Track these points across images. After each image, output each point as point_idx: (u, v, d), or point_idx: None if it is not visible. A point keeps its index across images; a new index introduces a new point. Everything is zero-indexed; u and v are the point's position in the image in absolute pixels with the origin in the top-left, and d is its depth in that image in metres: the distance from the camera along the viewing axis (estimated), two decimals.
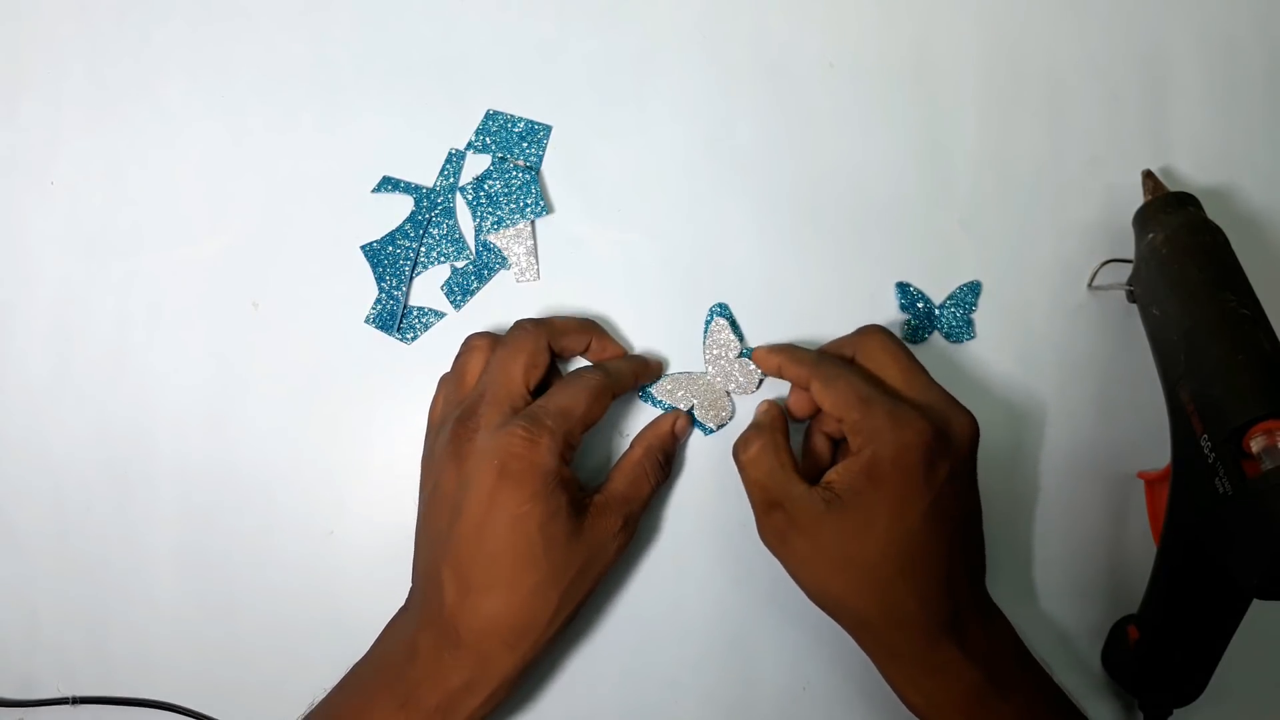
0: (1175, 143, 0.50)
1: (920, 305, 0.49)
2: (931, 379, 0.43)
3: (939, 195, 0.50)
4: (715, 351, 0.48)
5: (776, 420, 0.45)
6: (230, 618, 0.48)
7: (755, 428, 0.45)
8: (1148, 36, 0.51)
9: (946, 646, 0.40)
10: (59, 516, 0.49)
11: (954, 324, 0.48)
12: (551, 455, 0.41)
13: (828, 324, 0.49)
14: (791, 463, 0.43)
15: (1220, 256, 0.42)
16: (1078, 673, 0.48)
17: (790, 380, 0.46)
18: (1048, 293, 0.49)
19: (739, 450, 0.45)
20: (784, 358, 0.45)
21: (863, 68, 0.50)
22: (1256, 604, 0.41)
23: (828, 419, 0.45)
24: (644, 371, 0.47)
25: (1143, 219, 0.45)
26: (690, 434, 0.48)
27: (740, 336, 0.49)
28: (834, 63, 0.51)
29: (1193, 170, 0.50)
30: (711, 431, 0.48)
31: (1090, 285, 0.48)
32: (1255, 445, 0.36)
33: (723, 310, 0.49)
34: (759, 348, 0.47)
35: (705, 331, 0.49)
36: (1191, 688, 0.44)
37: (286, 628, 0.48)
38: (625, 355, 0.48)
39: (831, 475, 0.42)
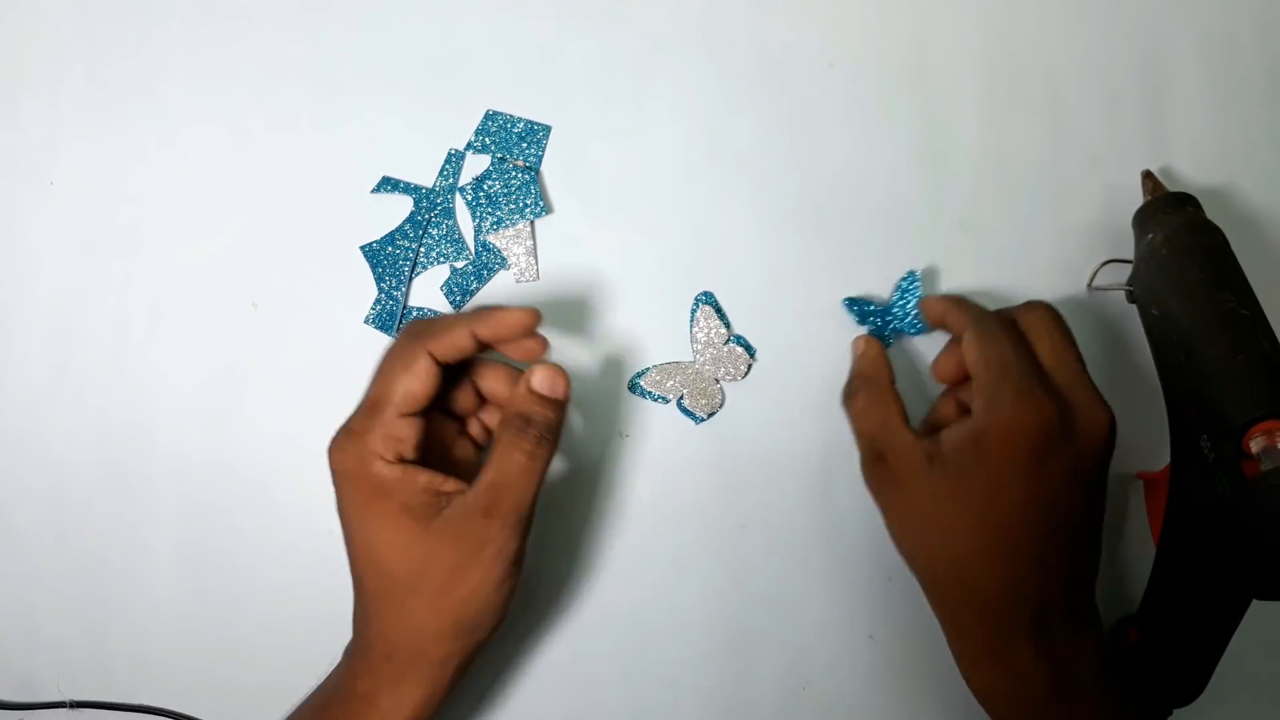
0: (1175, 143, 0.50)
1: (872, 312, 0.48)
2: (1084, 369, 0.41)
3: (939, 195, 0.50)
4: (703, 339, 0.48)
5: (881, 367, 0.44)
6: (230, 618, 0.48)
7: (860, 377, 0.44)
8: (1148, 36, 0.51)
9: (1021, 643, 0.38)
10: (59, 516, 0.49)
11: (905, 319, 0.48)
12: (356, 459, 0.38)
13: (828, 324, 0.49)
14: (899, 411, 0.42)
15: (1220, 257, 0.42)
16: None
17: (950, 327, 0.44)
18: (1048, 293, 0.49)
19: (846, 400, 0.44)
20: (950, 304, 0.44)
21: (863, 68, 0.50)
22: (1256, 604, 0.41)
23: (964, 386, 0.43)
24: (479, 322, 0.40)
25: (1142, 219, 0.45)
26: (567, 387, 0.41)
27: (727, 324, 0.49)
28: (834, 63, 0.51)
29: (1193, 170, 0.50)
30: (702, 420, 0.48)
31: (1090, 286, 0.48)
32: (1255, 445, 0.36)
33: (708, 298, 0.49)
34: (930, 296, 0.46)
35: (691, 320, 0.49)
36: (1192, 688, 0.44)
37: (286, 628, 0.48)
38: (476, 310, 0.41)
39: (944, 432, 0.40)
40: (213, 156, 0.50)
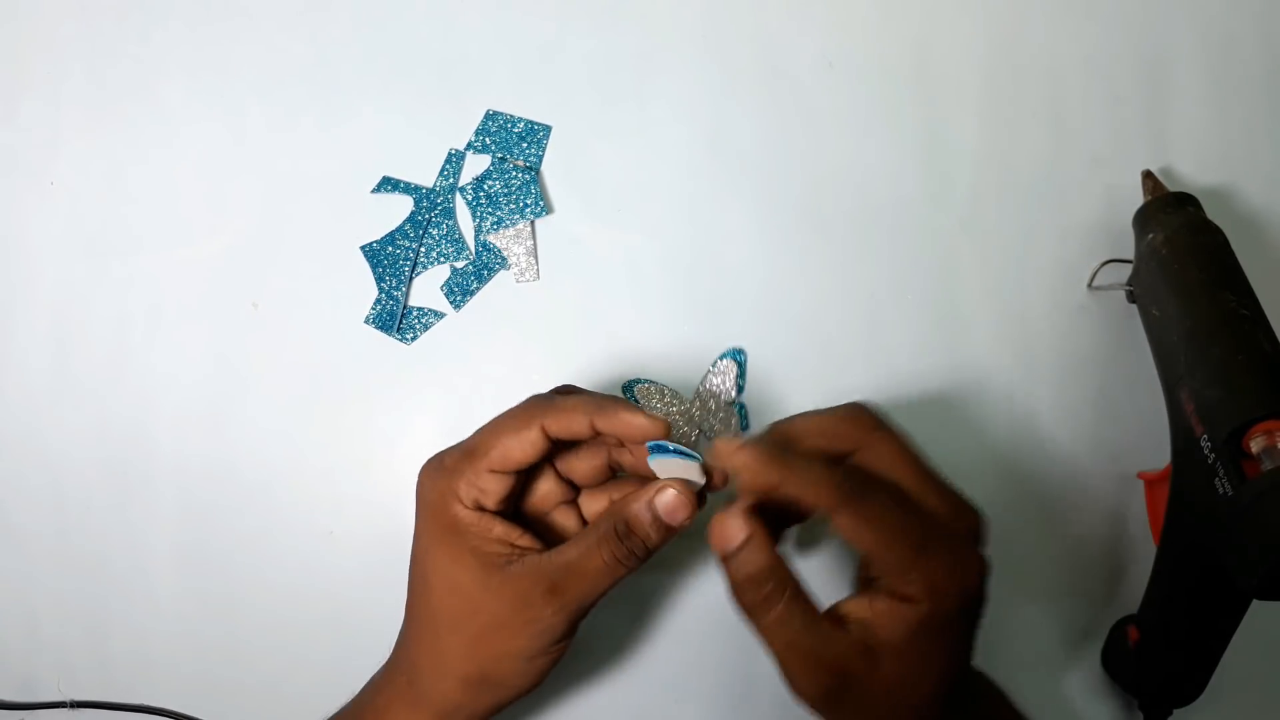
0: (1175, 143, 0.50)
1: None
2: (935, 473, 0.37)
3: (939, 195, 0.50)
4: (709, 389, 0.48)
5: (776, 558, 0.36)
6: (230, 618, 0.48)
7: (761, 576, 0.35)
8: (1148, 36, 0.51)
9: None
10: (59, 516, 0.49)
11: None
12: (439, 493, 0.38)
13: (828, 324, 0.49)
14: (813, 605, 0.35)
15: (1220, 257, 0.42)
16: (1078, 672, 0.48)
17: (800, 500, 0.35)
18: (1048, 293, 0.49)
19: (757, 613, 0.36)
20: (785, 471, 0.34)
21: (863, 68, 0.50)
22: (1256, 604, 0.41)
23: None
24: (602, 415, 0.38)
25: (1143, 219, 0.45)
26: (687, 521, 0.38)
27: (741, 388, 0.48)
28: (834, 63, 0.50)
29: (1193, 170, 0.50)
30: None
31: (1090, 285, 0.48)
32: (1255, 445, 0.36)
33: (737, 355, 0.48)
34: (721, 442, 0.36)
35: (711, 367, 0.48)
36: (1191, 688, 0.44)
37: (286, 628, 0.48)
38: (603, 400, 0.38)
39: (865, 611, 0.35)
40: (213, 156, 0.50)
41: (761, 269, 0.49)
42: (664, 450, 0.37)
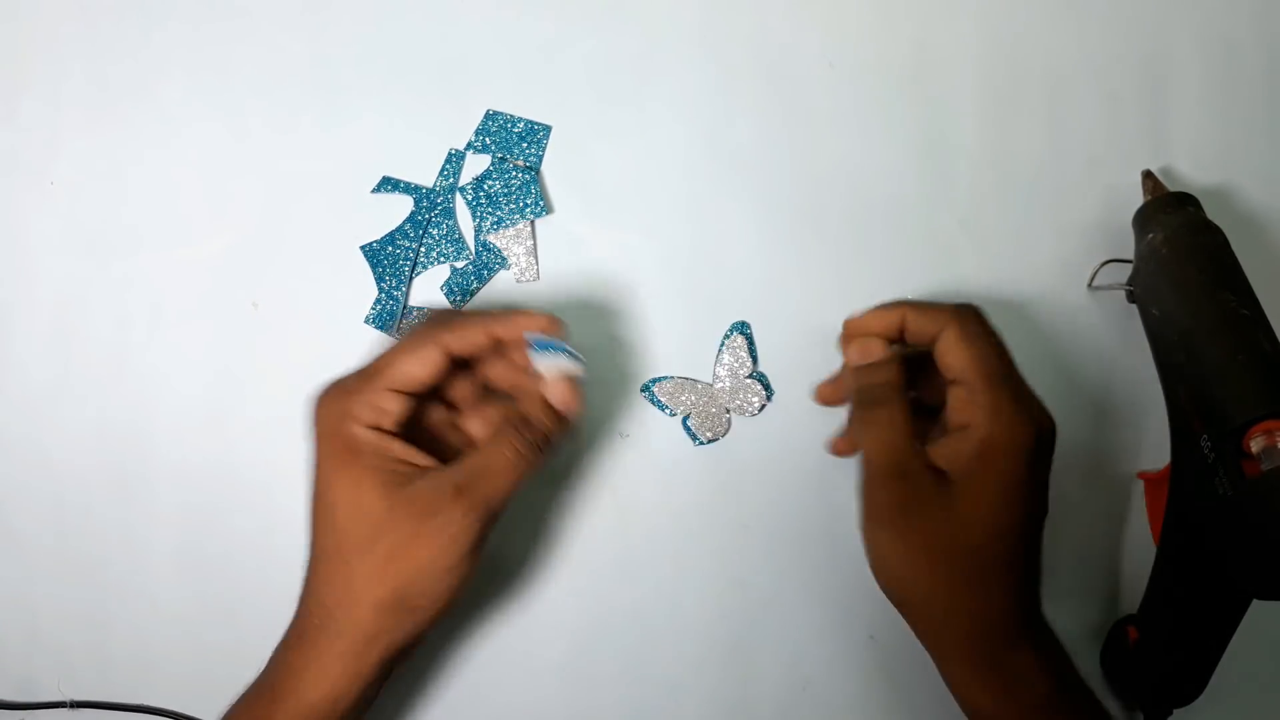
0: (1175, 143, 0.50)
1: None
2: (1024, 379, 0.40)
3: (939, 195, 0.50)
4: (726, 368, 0.48)
5: (893, 375, 0.41)
6: (230, 618, 0.48)
7: (871, 389, 0.41)
8: (1148, 36, 0.51)
9: (1025, 651, 0.38)
10: (59, 516, 0.49)
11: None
12: (336, 416, 0.38)
13: (828, 325, 0.49)
14: (910, 430, 0.39)
15: (1220, 257, 0.42)
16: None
17: (914, 333, 0.41)
18: (1047, 292, 0.49)
19: (858, 415, 0.41)
20: (907, 309, 0.41)
21: (863, 68, 0.50)
22: (1256, 604, 0.41)
23: (932, 386, 0.42)
24: (499, 322, 0.40)
25: (1143, 219, 0.45)
26: (578, 409, 0.41)
27: (754, 358, 0.48)
28: (834, 63, 0.51)
29: (1193, 170, 0.50)
30: (702, 444, 0.48)
31: (1090, 285, 0.48)
32: (1255, 445, 0.36)
33: (743, 329, 0.49)
34: (868, 311, 0.43)
35: (721, 345, 0.48)
36: (1191, 688, 0.44)
37: (286, 628, 0.48)
38: (498, 311, 0.41)
39: (936, 450, 0.39)
40: (213, 156, 0.50)
41: (761, 269, 0.49)
42: (546, 347, 0.39)
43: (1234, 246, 0.43)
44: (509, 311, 0.40)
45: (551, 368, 0.40)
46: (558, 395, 0.39)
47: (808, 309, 0.49)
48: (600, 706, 0.48)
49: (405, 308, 0.49)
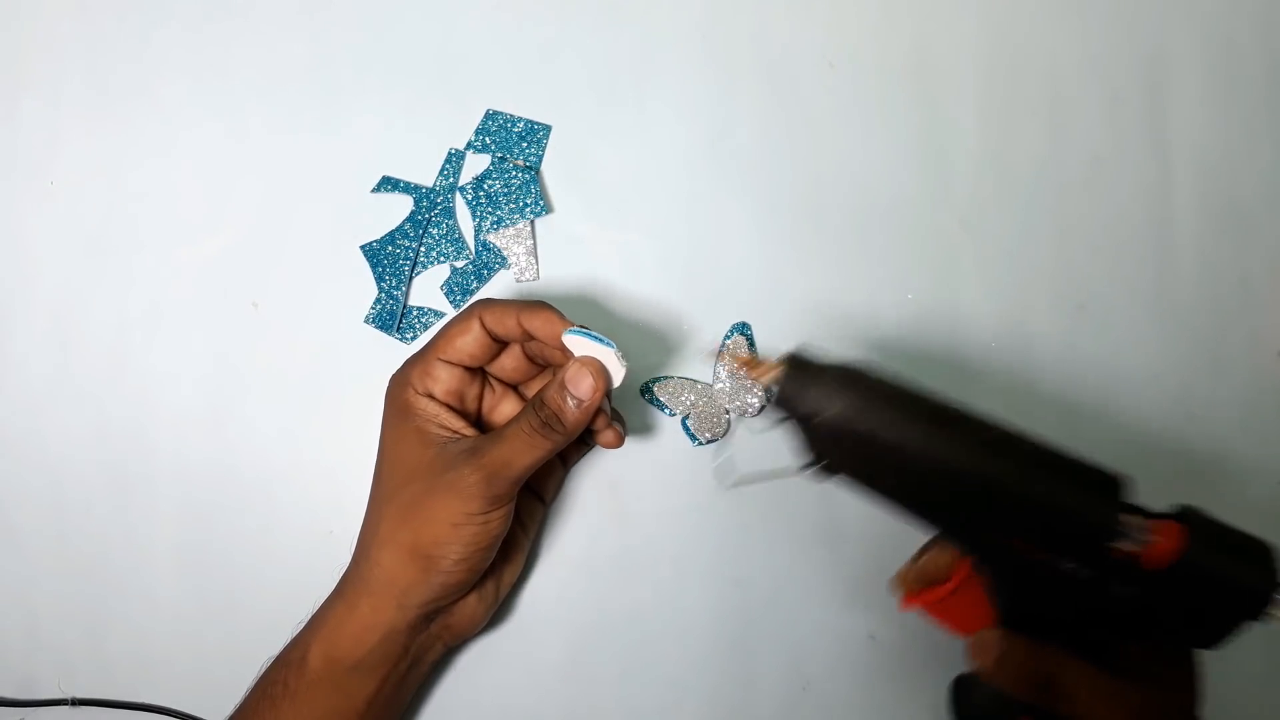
0: (1175, 142, 0.50)
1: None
2: None
3: (939, 195, 0.50)
4: (727, 368, 0.48)
5: (1029, 671, 0.36)
6: (230, 617, 0.48)
7: (987, 636, 0.37)
8: (1148, 36, 0.51)
9: None
10: (59, 516, 0.49)
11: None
12: (397, 384, 0.43)
13: (828, 324, 0.49)
14: (1061, 650, 0.36)
15: (905, 396, 0.35)
16: None
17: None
18: (1047, 292, 0.49)
19: (980, 654, 0.37)
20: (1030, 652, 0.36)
21: (863, 68, 0.50)
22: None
23: None
24: (526, 311, 0.41)
25: (789, 404, 0.35)
26: (607, 395, 0.41)
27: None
28: (834, 63, 0.51)
29: (1193, 169, 0.50)
30: (701, 444, 0.48)
31: (729, 486, 0.47)
32: (1129, 542, 0.34)
33: (744, 329, 0.49)
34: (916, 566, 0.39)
35: (721, 346, 0.49)
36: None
37: (286, 628, 0.48)
38: (528, 301, 0.43)
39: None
40: (213, 156, 0.50)
41: (761, 268, 0.49)
42: (581, 332, 0.40)
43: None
44: (537, 305, 0.42)
45: (582, 348, 0.41)
46: (573, 378, 0.40)
47: (808, 309, 0.49)
48: (600, 706, 0.48)
49: (405, 307, 0.49)
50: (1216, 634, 0.35)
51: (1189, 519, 0.34)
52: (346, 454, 0.49)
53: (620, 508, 0.48)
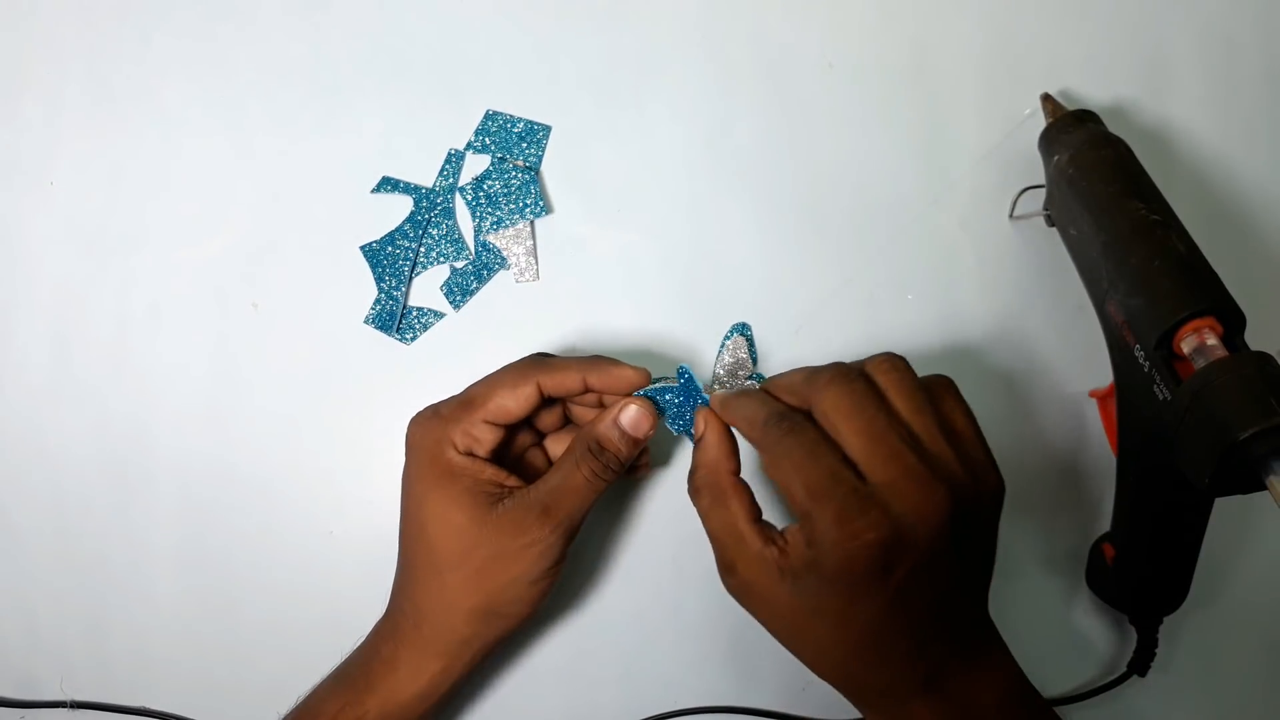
0: (1176, 142, 0.50)
1: (666, 403, 0.44)
2: (901, 445, 0.35)
3: (938, 195, 0.50)
4: (726, 369, 0.48)
5: (721, 456, 0.40)
6: (230, 617, 0.48)
7: (701, 471, 0.40)
8: (1148, 36, 0.51)
9: (918, 708, 0.37)
10: (59, 516, 0.49)
11: (681, 420, 0.45)
12: (434, 440, 0.41)
13: (828, 324, 0.49)
14: (745, 513, 0.38)
15: (1124, 167, 0.42)
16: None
17: (738, 430, 0.40)
18: (1047, 290, 0.49)
19: (693, 497, 0.40)
20: (728, 405, 0.40)
21: (863, 68, 0.50)
22: (1225, 502, 0.40)
23: None
24: (594, 371, 0.42)
25: (1047, 142, 0.45)
26: (644, 422, 0.42)
27: (755, 359, 0.49)
28: (834, 63, 0.51)
29: (1193, 169, 0.50)
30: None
31: (1011, 215, 0.49)
32: (1186, 347, 0.36)
33: (744, 330, 0.49)
34: (716, 394, 0.41)
35: (721, 347, 0.48)
36: (1175, 593, 0.44)
37: (286, 627, 0.48)
38: (593, 359, 0.43)
39: (787, 542, 0.37)
40: (213, 157, 0.50)
41: (761, 268, 0.49)
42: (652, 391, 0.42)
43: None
44: (605, 362, 0.42)
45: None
46: (631, 421, 0.42)
47: (808, 309, 0.49)
48: (600, 706, 0.48)
49: (405, 308, 0.49)
50: (1202, 465, 0.35)
51: (1252, 359, 0.35)
52: (346, 455, 0.49)
53: (620, 508, 0.48)
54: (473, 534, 0.40)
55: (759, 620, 0.39)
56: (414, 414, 0.42)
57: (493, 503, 0.40)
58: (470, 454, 0.41)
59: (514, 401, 0.41)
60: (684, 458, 0.48)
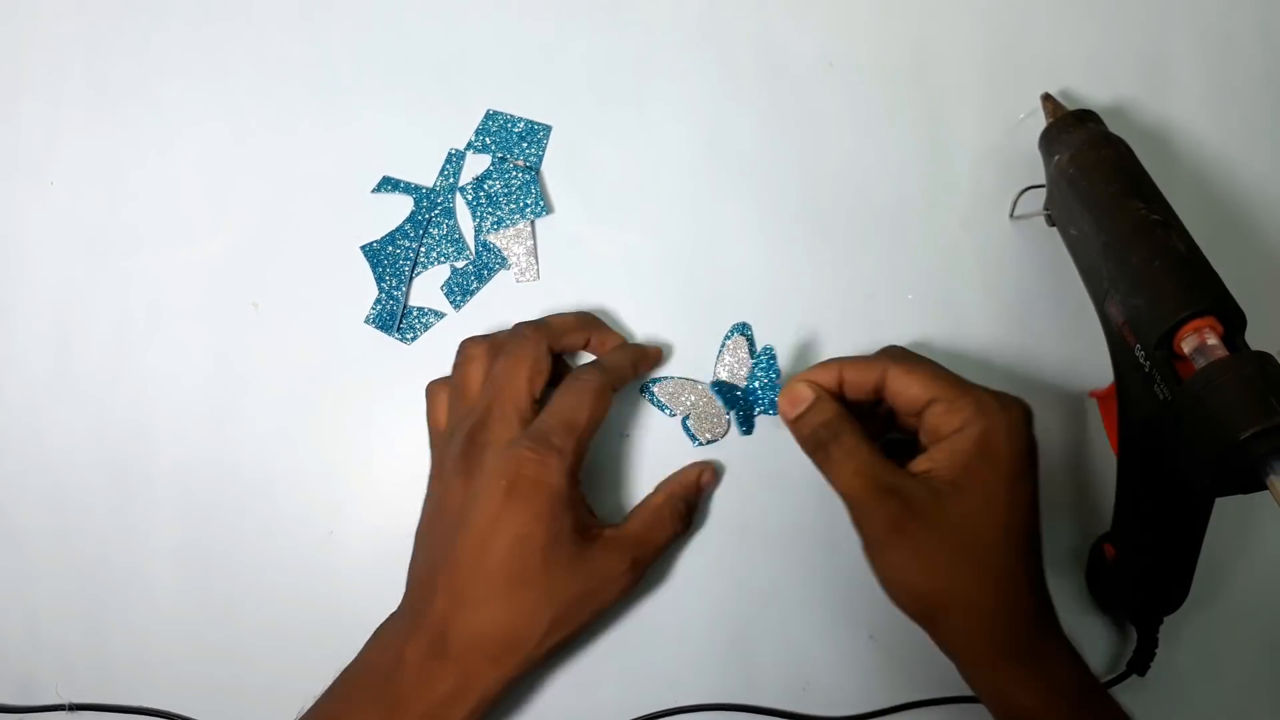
0: (1176, 142, 0.50)
1: (738, 399, 0.48)
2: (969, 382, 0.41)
3: (939, 195, 0.50)
4: (727, 369, 0.48)
5: (838, 413, 0.41)
6: (230, 618, 0.48)
7: (822, 428, 0.41)
8: (1148, 36, 0.51)
9: (1054, 638, 0.39)
10: (59, 516, 0.49)
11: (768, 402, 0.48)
12: (559, 475, 0.40)
13: (828, 324, 0.49)
14: (881, 452, 0.40)
15: (1125, 167, 0.42)
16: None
17: (855, 385, 0.42)
18: (1048, 289, 0.49)
19: (826, 442, 0.41)
20: (842, 365, 0.42)
21: (863, 68, 0.50)
22: (1225, 502, 0.40)
23: (902, 415, 0.42)
24: (642, 359, 0.47)
25: (1047, 142, 0.46)
26: (715, 485, 0.48)
27: (754, 359, 0.48)
28: (834, 63, 0.51)
29: (1192, 169, 0.50)
30: (701, 445, 0.48)
31: (1012, 215, 0.49)
32: (1186, 346, 0.36)
33: (744, 330, 0.49)
34: (802, 377, 0.42)
35: (721, 347, 0.49)
36: (1174, 594, 0.44)
37: (286, 628, 0.48)
38: (622, 344, 0.47)
39: (926, 464, 0.39)
40: (213, 156, 0.50)
41: (761, 268, 0.49)
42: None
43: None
44: (644, 348, 0.48)
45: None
46: (708, 480, 0.47)
47: (808, 309, 0.49)
48: (600, 706, 0.48)
49: (405, 308, 0.49)
50: (1202, 465, 0.35)
51: (1252, 358, 0.35)
52: (347, 454, 0.49)
53: (620, 508, 0.48)
54: (570, 566, 0.41)
55: (903, 557, 0.39)
56: (515, 443, 0.41)
57: (590, 540, 0.42)
58: (573, 479, 0.41)
59: (603, 410, 0.43)
60: (681, 455, 0.48)
